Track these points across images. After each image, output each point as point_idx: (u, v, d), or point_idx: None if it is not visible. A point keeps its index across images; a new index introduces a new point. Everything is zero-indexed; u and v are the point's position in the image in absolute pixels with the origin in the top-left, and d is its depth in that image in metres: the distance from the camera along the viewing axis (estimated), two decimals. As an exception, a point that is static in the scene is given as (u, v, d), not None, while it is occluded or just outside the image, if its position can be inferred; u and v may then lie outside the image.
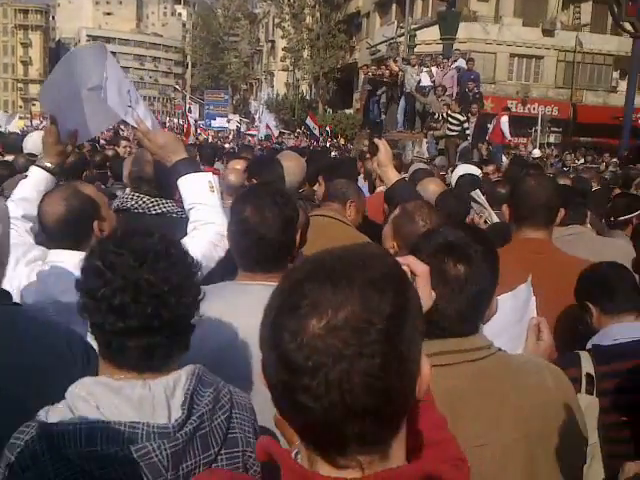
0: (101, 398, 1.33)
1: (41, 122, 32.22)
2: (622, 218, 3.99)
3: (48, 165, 2.64)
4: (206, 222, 2.40)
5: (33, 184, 2.60)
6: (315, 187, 4.48)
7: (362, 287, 0.82)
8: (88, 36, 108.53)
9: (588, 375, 2.18)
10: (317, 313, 0.81)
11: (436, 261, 1.47)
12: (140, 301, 1.33)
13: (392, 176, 2.93)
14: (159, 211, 2.76)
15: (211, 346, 1.87)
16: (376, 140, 2.98)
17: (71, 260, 2.07)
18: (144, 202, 2.83)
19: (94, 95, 2.70)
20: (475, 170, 6.48)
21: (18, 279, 2.24)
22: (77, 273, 1.42)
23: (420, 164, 8.20)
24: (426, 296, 1.10)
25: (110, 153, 7.93)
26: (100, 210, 2.35)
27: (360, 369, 0.79)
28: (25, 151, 6.25)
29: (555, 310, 2.46)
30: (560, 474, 1.55)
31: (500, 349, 1.60)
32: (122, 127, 19.35)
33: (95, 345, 1.47)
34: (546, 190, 2.71)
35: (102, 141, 13.96)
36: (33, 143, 6.41)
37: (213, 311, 1.93)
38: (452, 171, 7.07)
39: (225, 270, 2.35)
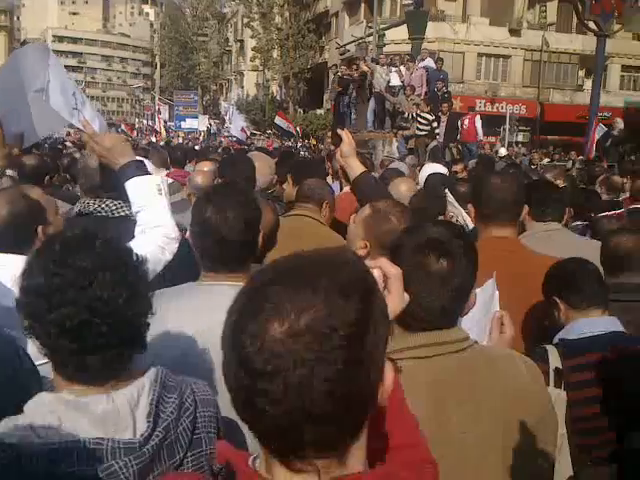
0: (64, 415, 1.29)
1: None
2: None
3: None
4: (154, 225, 2.37)
5: None
6: (284, 186, 4.50)
7: (327, 293, 0.81)
8: (54, 36, 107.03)
9: (556, 369, 2.22)
10: (279, 317, 0.80)
11: (420, 256, 1.52)
12: (94, 321, 1.29)
13: (356, 167, 2.93)
14: (122, 214, 2.72)
15: (173, 350, 1.87)
16: (339, 130, 2.98)
17: (13, 264, 2.03)
18: (107, 205, 2.80)
19: (40, 97, 2.66)
20: (442, 169, 6.56)
21: None
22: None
23: (401, 163, 8.25)
24: (399, 298, 1.10)
25: (77, 155, 7.83)
26: (45, 214, 2.31)
27: (321, 375, 0.79)
28: None
29: (524, 307, 2.50)
30: (535, 462, 1.60)
31: (476, 341, 1.65)
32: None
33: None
34: (509, 187, 2.73)
35: (69, 143, 13.78)
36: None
37: (175, 313, 1.93)
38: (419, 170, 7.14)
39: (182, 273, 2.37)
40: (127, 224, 2.51)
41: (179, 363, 1.84)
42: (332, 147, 3.04)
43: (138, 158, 2.59)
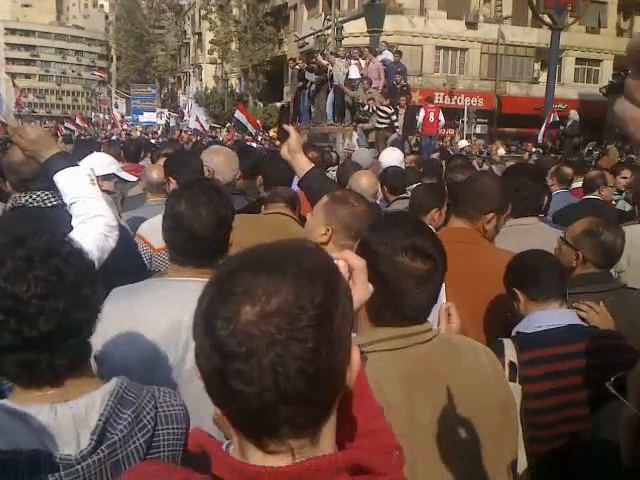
0: (4, 424, 1.26)
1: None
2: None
3: None
4: (93, 215, 2.33)
5: None
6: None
7: (294, 277, 0.85)
8: (6, 29, 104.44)
9: (510, 363, 2.25)
10: (250, 300, 0.84)
11: (406, 259, 1.59)
12: (37, 327, 1.25)
13: (303, 162, 2.93)
14: (55, 203, 2.69)
15: (144, 346, 1.87)
16: (285, 126, 2.97)
17: None
18: (38, 196, 2.79)
19: None
20: (400, 155, 6.71)
21: None
22: None
23: (365, 150, 8.35)
24: (363, 288, 1.14)
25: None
26: None
27: (293, 353, 0.82)
28: None
29: (481, 298, 2.53)
30: (501, 450, 1.66)
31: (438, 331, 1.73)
32: None
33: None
34: (480, 185, 2.76)
35: None
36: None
37: (144, 309, 1.93)
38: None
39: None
40: (62, 212, 2.46)
41: (149, 359, 1.84)
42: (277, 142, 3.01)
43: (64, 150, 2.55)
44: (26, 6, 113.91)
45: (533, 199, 3.37)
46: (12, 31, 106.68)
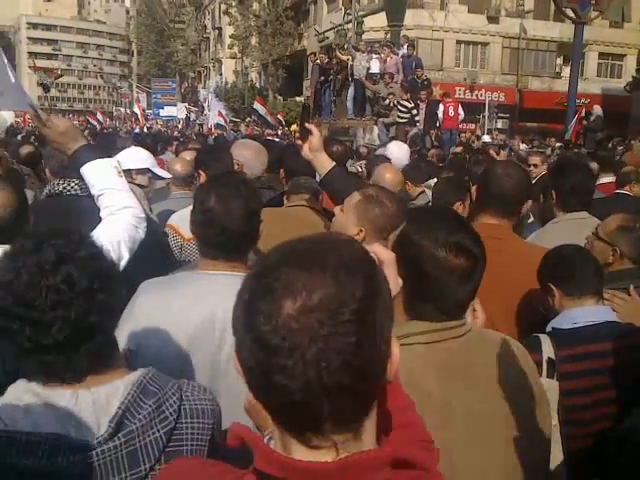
0: (30, 405, 1.29)
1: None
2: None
3: None
4: (122, 206, 2.36)
5: None
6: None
7: (334, 271, 0.85)
8: (28, 24, 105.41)
9: (549, 359, 2.23)
10: (291, 295, 0.83)
11: (450, 255, 1.60)
12: (51, 335, 1.27)
13: (324, 161, 2.92)
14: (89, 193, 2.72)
15: (179, 338, 1.88)
16: (307, 125, 2.94)
17: None
18: (76, 184, 2.84)
19: None
20: (405, 149, 6.66)
21: None
22: None
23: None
24: (393, 282, 1.13)
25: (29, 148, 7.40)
26: None
27: (335, 347, 0.82)
28: None
29: (513, 293, 2.51)
30: (535, 439, 1.66)
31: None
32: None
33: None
34: (513, 182, 2.73)
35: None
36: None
37: (178, 301, 1.94)
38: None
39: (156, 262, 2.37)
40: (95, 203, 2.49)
41: (183, 352, 1.85)
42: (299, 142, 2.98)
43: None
44: (48, 1, 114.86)
45: (585, 193, 3.34)
46: (34, 25, 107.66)
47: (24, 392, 1.31)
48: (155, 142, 8.45)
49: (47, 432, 1.26)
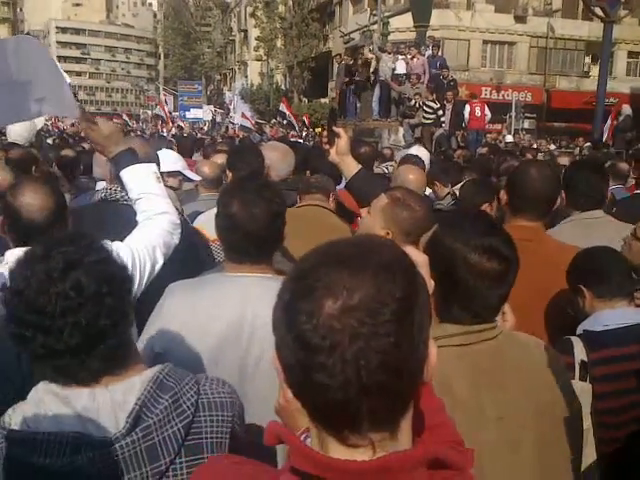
0: (50, 406, 1.33)
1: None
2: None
3: None
4: (160, 212, 2.38)
5: None
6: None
7: (374, 271, 0.86)
8: (57, 28, 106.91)
9: (582, 362, 2.21)
10: (332, 295, 0.84)
11: (482, 259, 1.60)
12: (62, 340, 1.29)
13: (351, 165, 2.91)
14: None
15: (208, 340, 1.90)
16: (335, 128, 2.93)
17: None
18: None
19: (8, 86, 2.61)
20: (425, 153, 6.62)
21: None
22: None
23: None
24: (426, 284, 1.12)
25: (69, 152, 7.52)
26: None
27: (375, 347, 0.83)
28: (9, 139, 6.22)
29: (544, 296, 2.48)
30: (565, 444, 1.65)
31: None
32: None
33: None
34: (545, 183, 2.70)
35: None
36: (15, 132, 6.41)
37: (206, 303, 1.96)
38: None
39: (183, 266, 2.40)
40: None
41: (213, 354, 1.86)
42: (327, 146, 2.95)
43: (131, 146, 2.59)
44: (77, 5, 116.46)
45: (598, 193, 3.29)
46: (63, 30, 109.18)
47: (45, 394, 1.35)
48: (192, 144, 8.57)
49: (67, 431, 1.30)
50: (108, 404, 1.34)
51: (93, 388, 1.35)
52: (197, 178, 4.43)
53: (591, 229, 2.99)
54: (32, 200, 2.20)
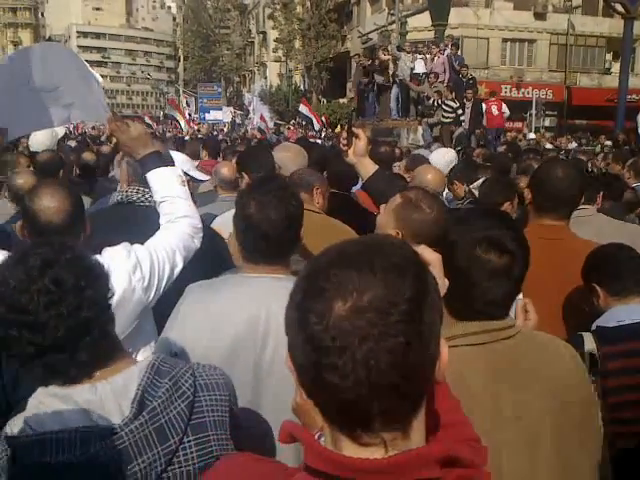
0: (52, 406, 1.36)
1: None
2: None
3: None
4: (182, 215, 2.41)
5: None
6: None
7: (384, 272, 0.86)
8: (78, 32, 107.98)
9: (590, 355, 2.20)
10: (342, 296, 0.85)
11: (481, 252, 1.59)
12: (48, 334, 1.33)
13: (368, 166, 2.90)
14: None
15: (224, 339, 1.91)
16: (354, 129, 2.93)
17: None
18: (151, 196, 2.87)
19: (35, 94, 2.63)
20: (453, 154, 6.52)
21: None
22: None
23: (426, 151, 8.17)
24: (440, 283, 1.12)
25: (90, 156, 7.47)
26: None
27: (385, 348, 0.83)
28: (32, 149, 6.29)
29: (564, 294, 2.47)
30: (587, 444, 1.64)
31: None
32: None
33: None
34: (571, 182, 2.68)
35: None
36: (37, 142, 6.47)
37: (221, 303, 1.98)
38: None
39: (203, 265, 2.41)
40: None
41: (229, 354, 1.88)
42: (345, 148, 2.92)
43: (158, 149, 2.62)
44: (97, 9, 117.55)
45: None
46: (84, 34, 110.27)
47: (44, 396, 1.39)
48: (218, 145, 8.66)
49: (74, 426, 1.33)
50: (110, 394, 1.38)
51: (93, 382, 1.39)
52: (204, 178, 4.46)
53: (581, 226, 2.95)
54: (49, 203, 2.24)
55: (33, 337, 1.32)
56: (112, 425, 1.35)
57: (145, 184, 2.88)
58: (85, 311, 1.37)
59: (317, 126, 22.95)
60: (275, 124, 29.85)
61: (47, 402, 1.38)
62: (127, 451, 1.35)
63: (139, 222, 2.76)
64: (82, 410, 1.36)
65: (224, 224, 3.40)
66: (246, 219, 2.07)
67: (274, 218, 2.03)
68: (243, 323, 1.95)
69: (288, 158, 3.91)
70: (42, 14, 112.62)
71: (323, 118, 26.26)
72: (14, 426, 1.37)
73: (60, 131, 8.06)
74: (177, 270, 2.30)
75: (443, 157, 6.23)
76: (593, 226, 3.04)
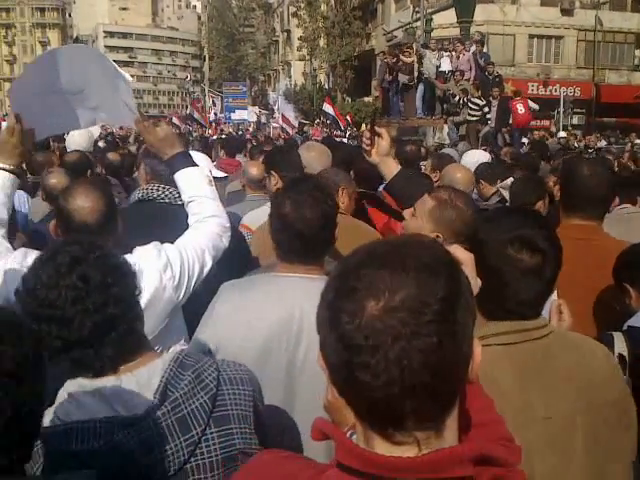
0: (78, 398, 1.41)
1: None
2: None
3: (10, 167, 2.40)
4: (210, 215, 2.44)
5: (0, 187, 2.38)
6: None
7: (416, 271, 0.87)
8: (105, 32, 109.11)
9: (620, 355, 2.18)
10: (374, 295, 0.85)
11: (512, 251, 1.58)
12: (75, 329, 1.38)
13: (391, 165, 2.86)
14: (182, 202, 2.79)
15: (257, 339, 1.93)
16: (378, 128, 2.88)
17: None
18: (170, 193, 2.92)
19: (61, 96, 2.66)
20: (486, 156, 6.40)
21: None
22: None
23: (452, 150, 8.07)
24: (472, 282, 1.13)
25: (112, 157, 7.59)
26: None
27: (418, 347, 0.83)
28: (69, 150, 6.37)
29: (596, 294, 2.45)
30: (617, 445, 1.62)
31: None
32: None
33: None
34: (598, 181, 2.66)
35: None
36: (75, 142, 6.56)
37: (256, 302, 2.00)
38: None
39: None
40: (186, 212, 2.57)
41: (263, 351, 1.91)
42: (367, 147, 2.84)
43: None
44: (123, 9, 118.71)
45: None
46: (111, 34, 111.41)
47: (72, 388, 1.44)
48: (237, 145, 8.78)
49: (100, 417, 1.38)
50: (134, 386, 1.43)
51: (119, 375, 1.44)
52: (220, 175, 4.45)
53: (625, 224, 2.93)
54: (84, 203, 2.27)
55: (60, 331, 1.37)
56: (135, 414, 1.40)
57: (166, 182, 2.92)
58: (111, 308, 1.41)
59: (341, 125, 22.89)
60: (300, 123, 29.84)
61: (75, 394, 1.43)
62: (150, 440, 1.38)
63: (161, 219, 2.81)
64: (107, 401, 1.41)
65: (253, 221, 3.43)
66: (281, 218, 2.08)
67: (309, 217, 2.04)
68: (276, 322, 1.96)
69: (312, 158, 3.93)
70: (69, 15, 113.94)
71: (348, 117, 26.20)
72: (45, 417, 1.39)
73: (95, 132, 8.15)
74: (206, 269, 2.33)
75: (473, 159, 6.12)
76: (634, 224, 2.99)
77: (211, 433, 1.47)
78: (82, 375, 1.44)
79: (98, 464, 1.31)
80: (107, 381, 1.43)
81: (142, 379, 1.44)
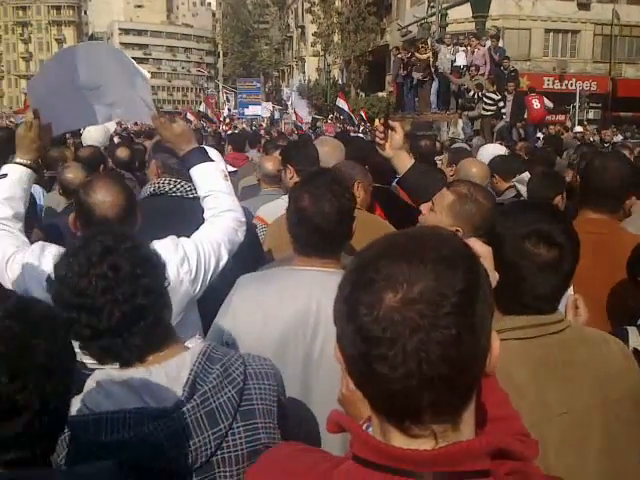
0: (109, 388, 1.42)
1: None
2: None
3: (27, 162, 2.43)
4: (226, 209, 2.45)
5: (16, 182, 2.40)
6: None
7: (435, 264, 0.86)
8: (120, 29, 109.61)
9: (635, 350, 2.16)
10: (392, 287, 0.85)
11: (529, 246, 1.57)
12: (104, 317, 1.39)
13: (405, 159, 2.86)
14: (196, 195, 2.80)
15: (274, 332, 1.94)
16: (391, 122, 2.86)
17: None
18: (182, 186, 2.95)
19: (78, 92, 2.67)
20: (502, 150, 6.35)
21: None
22: None
23: (464, 145, 8.03)
24: (491, 276, 1.12)
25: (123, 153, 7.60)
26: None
27: (436, 339, 0.83)
28: (85, 144, 6.42)
29: (610, 288, 2.44)
30: (632, 442, 1.61)
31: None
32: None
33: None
34: (614, 175, 2.64)
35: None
36: (91, 138, 6.60)
37: (274, 295, 2.01)
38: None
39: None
40: (200, 205, 2.59)
41: (280, 344, 1.91)
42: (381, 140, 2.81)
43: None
44: (138, 7, 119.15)
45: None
46: (126, 31, 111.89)
47: (102, 378, 1.45)
48: (244, 140, 8.81)
49: (130, 408, 1.39)
50: (164, 378, 1.44)
51: (148, 366, 1.45)
52: (231, 169, 4.44)
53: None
54: (105, 197, 2.29)
55: (90, 320, 1.38)
56: (165, 407, 1.40)
57: (177, 176, 2.93)
58: (140, 298, 1.42)
59: (355, 120, 22.89)
60: (313, 118, 29.83)
61: (103, 384, 1.44)
62: (178, 432, 1.39)
63: (173, 212, 2.83)
64: (137, 392, 1.42)
65: (268, 214, 3.44)
66: (299, 212, 2.09)
67: (327, 211, 2.04)
68: (293, 315, 1.97)
69: (326, 152, 3.92)
70: (85, 12, 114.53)
71: (362, 112, 26.16)
72: (72, 406, 1.41)
73: (111, 127, 8.21)
74: (222, 263, 2.34)
75: (489, 152, 6.07)
76: None
77: (237, 427, 1.49)
78: (109, 363, 1.46)
79: (127, 455, 1.33)
80: (135, 372, 1.44)
81: (171, 371, 1.45)
